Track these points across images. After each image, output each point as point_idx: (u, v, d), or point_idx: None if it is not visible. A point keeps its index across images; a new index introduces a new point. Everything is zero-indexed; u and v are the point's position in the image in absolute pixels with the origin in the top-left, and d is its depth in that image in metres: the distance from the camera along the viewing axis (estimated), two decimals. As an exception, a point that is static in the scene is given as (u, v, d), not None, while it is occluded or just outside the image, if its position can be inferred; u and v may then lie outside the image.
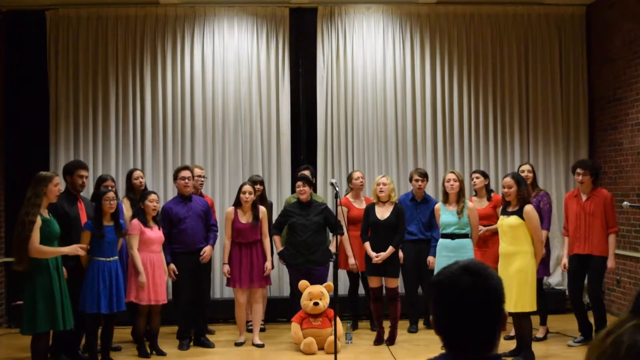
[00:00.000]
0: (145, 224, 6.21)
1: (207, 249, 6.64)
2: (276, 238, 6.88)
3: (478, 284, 1.68)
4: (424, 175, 7.24)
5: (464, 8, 8.43)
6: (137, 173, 6.90)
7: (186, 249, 6.55)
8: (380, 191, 6.53)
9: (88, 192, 7.35)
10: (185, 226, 6.56)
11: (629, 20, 7.58)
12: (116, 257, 5.91)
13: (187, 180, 6.62)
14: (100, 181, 6.58)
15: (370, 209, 6.63)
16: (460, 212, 6.29)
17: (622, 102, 7.76)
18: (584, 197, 6.49)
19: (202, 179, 7.24)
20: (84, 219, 6.03)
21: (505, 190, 5.96)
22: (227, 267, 6.61)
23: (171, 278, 6.53)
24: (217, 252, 7.91)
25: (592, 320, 6.51)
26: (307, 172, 7.28)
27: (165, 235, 6.44)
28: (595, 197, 6.43)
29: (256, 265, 6.61)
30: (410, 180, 7.33)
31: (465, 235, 6.31)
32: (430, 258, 6.91)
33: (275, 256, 7.08)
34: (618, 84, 7.85)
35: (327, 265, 6.74)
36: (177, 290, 6.65)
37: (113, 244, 5.90)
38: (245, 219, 6.65)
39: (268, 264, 6.69)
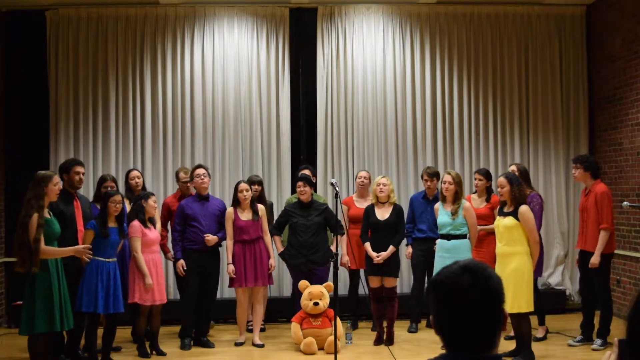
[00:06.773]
0: (145, 225, 6.21)
1: (212, 236, 6.59)
2: (276, 238, 6.88)
3: (478, 284, 1.68)
4: (433, 175, 7.22)
5: (464, 8, 8.43)
6: (134, 173, 6.88)
7: (198, 247, 6.57)
8: (380, 191, 6.55)
9: (88, 191, 7.36)
10: (200, 225, 6.58)
11: (629, 20, 7.58)
12: (115, 259, 5.91)
13: (202, 178, 6.65)
14: (101, 181, 6.58)
15: (370, 209, 6.64)
16: (454, 213, 6.27)
17: (622, 102, 7.76)
18: (585, 193, 6.49)
19: (189, 183, 7.15)
20: (79, 218, 6.01)
21: (499, 189, 5.98)
22: (231, 267, 6.60)
23: (180, 274, 6.58)
24: (221, 253, 7.88)
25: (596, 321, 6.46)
26: (307, 172, 7.26)
27: (179, 232, 6.56)
28: (591, 192, 6.39)
29: (259, 263, 6.62)
30: (422, 178, 7.33)
31: (461, 236, 6.28)
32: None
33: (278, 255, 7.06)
34: (618, 84, 7.85)
35: (328, 265, 6.70)
36: (185, 287, 6.65)
37: (114, 246, 5.90)
38: (245, 216, 6.65)
39: (272, 261, 6.71)
